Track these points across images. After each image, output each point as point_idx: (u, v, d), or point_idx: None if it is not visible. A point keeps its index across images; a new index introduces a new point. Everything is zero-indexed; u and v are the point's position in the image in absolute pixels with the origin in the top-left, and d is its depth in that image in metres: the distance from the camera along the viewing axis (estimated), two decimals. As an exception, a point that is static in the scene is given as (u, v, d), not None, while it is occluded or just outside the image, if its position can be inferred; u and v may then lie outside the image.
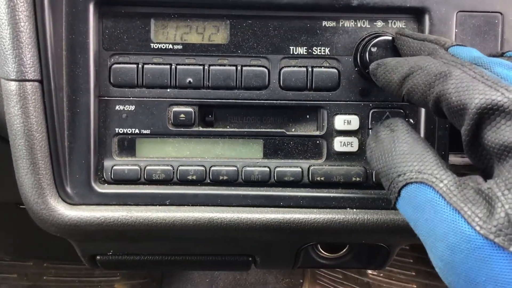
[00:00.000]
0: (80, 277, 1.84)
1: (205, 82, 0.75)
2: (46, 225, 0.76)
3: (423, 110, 0.76)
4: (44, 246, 1.58)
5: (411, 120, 0.76)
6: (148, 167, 0.77)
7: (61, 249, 1.03)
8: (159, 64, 0.75)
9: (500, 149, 0.46)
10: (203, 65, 0.75)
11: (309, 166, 0.77)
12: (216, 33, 0.76)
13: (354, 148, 0.77)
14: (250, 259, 0.92)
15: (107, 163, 0.77)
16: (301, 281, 1.83)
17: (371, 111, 0.76)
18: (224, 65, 0.76)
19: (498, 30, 0.75)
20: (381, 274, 1.87)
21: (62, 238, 0.83)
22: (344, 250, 1.00)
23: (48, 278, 1.84)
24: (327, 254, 0.99)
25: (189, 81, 0.75)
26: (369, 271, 1.87)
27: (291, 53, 0.76)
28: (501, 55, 0.67)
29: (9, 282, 1.81)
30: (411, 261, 1.90)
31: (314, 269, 1.82)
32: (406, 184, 0.51)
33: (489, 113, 0.47)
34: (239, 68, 0.75)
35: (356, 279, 1.85)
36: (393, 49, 0.71)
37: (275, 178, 0.77)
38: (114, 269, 1.64)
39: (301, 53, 0.76)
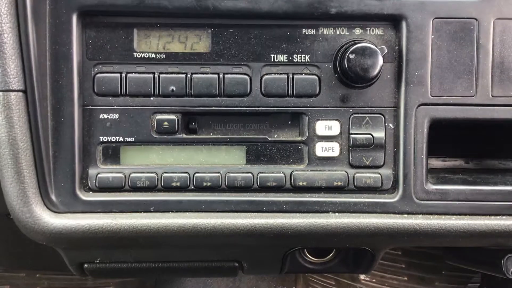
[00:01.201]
0: (72, 287, 1.83)
1: (188, 90, 0.77)
2: (31, 233, 0.76)
3: (402, 115, 0.77)
4: (36, 256, 1.57)
5: (390, 125, 0.78)
6: (132, 175, 0.77)
7: (53, 259, 1.04)
8: (142, 73, 0.76)
9: None
10: (186, 73, 0.77)
11: (292, 171, 0.78)
12: (198, 42, 0.77)
13: (335, 153, 0.78)
14: (237, 264, 0.93)
15: (92, 171, 0.77)
16: (294, 287, 1.83)
17: (351, 116, 0.78)
18: (207, 73, 0.77)
19: (473, 35, 0.77)
20: (374, 280, 1.87)
21: (54, 248, 0.83)
22: (331, 254, 1.01)
23: (41, 289, 1.83)
24: (313, 259, 1.00)
25: (172, 89, 0.76)
26: (362, 277, 1.87)
27: (272, 60, 0.77)
28: None
29: (2, 293, 1.81)
30: (403, 266, 1.90)
31: (307, 275, 1.82)
32: None
33: None
34: (221, 76, 0.77)
35: (349, 285, 1.85)
36: (370, 55, 0.73)
37: (258, 183, 0.78)
38: (103, 277, 1.64)
39: (282, 60, 0.78)
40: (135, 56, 0.77)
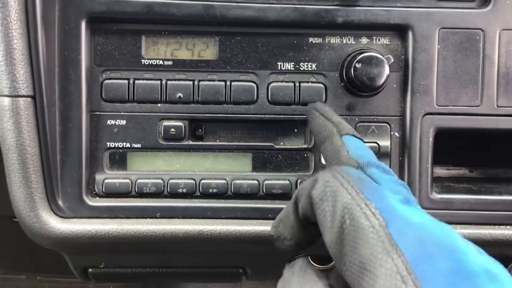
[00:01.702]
0: (73, 290, 1.83)
1: (195, 97, 0.77)
2: (38, 238, 0.77)
3: (407, 124, 0.77)
4: (37, 259, 1.58)
5: (396, 134, 0.78)
6: (139, 181, 0.78)
7: (55, 262, 1.04)
8: (150, 79, 0.77)
9: (357, 268, 0.44)
10: (193, 80, 0.77)
11: (297, 179, 0.79)
12: (206, 49, 0.78)
13: (341, 161, 0.78)
14: (241, 271, 0.93)
15: (99, 177, 0.78)
16: (295, 293, 1.83)
17: (357, 125, 0.78)
18: (214, 80, 0.77)
19: (479, 46, 0.77)
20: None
21: (55, 251, 0.83)
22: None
23: (42, 292, 1.83)
24: (317, 265, 1.00)
25: (179, 96, 0.77)
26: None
27: (279, 68, 0.78)
28: None
29: (2, 295, 1.81)
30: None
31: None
32: None
33: (347, 225, 0.46)
34: (228, 83, 0.77)
35: (350, 291, 1.85)
36: (377, 64, 0.73)
37: (264, 190, 0.78)
38: (106, 282, 1.64)
39: (289, 68, 0.78)
40: (143, 63, 0.77)
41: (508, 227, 0.79)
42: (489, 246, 0.78)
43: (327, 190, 0.50)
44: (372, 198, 0.47)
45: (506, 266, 0.96)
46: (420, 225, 0.45)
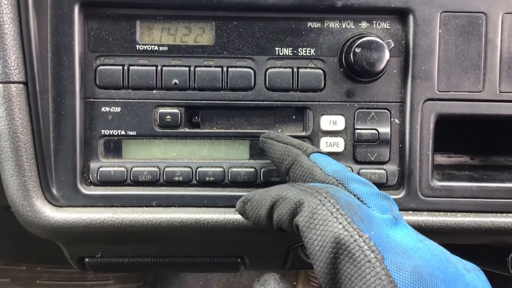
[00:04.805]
0: (73, 281, 1.83)
1: (191, 83, 0.75)
2: (32, 227, 0.76)
3: (408, 111, 0.76)
4: (37, 250, 1.57)
5: (396, 120, 0.77)
6: (134, 169, 0.77)
7: (54, 253, 1.03)
8: (145, 65, 0.75)
9: None
10: (189, 66, 0.75)
11: (296, 166, 0.77)
12: (202, 34, 0.76)
13: (340, 148, 0.77)
14: (239, 260, 0.92)
15: (93, 165, 0.77)
16: (294, 283, 1.83)
17: (357, 111, 0.77)
18: (210, 66, 0.76)
19: (481, 30, 0.76)
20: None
21: (54, 242, 0.82)
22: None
23: (41, 283, 1.83)
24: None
25: (175, 82, 0.75)
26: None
27: (277, 54, 0.76)
28: None
29: (2, 286, 1.80)
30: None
31: (308, 271, 1.82)
32: None
33: (341, 257, 0.47)
34: (224, 69, 0.76)
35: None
36: (377, 49, 0.71)
37: (262, 178, 0.77)
38: (103, 272, 1.63)
39: (287, 54, 0.76)
40: (137, 49, 0.75)
41: (510, 214, 0.78)
42: (491, 234, 0.78)
43: (315, 218, 0.50)
44: (364, 228, 0.48)
45: (507, 254, 0.95)
46: (414, 253, 0.47)
